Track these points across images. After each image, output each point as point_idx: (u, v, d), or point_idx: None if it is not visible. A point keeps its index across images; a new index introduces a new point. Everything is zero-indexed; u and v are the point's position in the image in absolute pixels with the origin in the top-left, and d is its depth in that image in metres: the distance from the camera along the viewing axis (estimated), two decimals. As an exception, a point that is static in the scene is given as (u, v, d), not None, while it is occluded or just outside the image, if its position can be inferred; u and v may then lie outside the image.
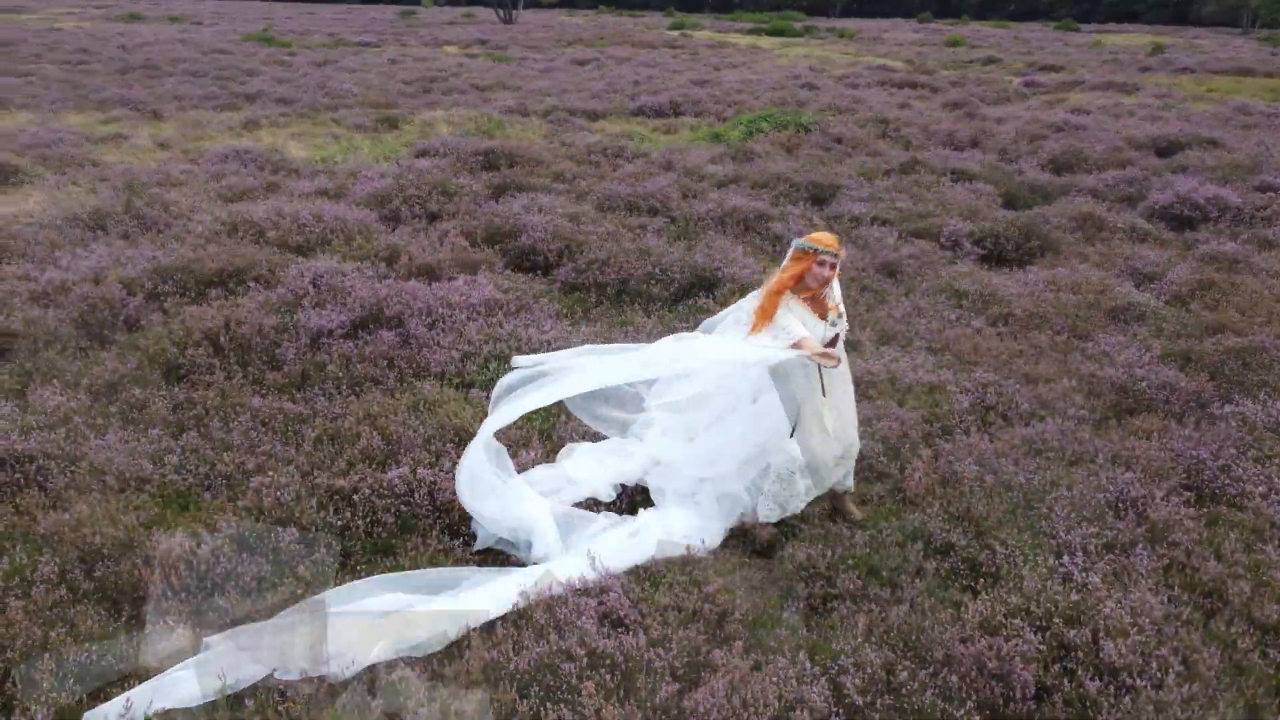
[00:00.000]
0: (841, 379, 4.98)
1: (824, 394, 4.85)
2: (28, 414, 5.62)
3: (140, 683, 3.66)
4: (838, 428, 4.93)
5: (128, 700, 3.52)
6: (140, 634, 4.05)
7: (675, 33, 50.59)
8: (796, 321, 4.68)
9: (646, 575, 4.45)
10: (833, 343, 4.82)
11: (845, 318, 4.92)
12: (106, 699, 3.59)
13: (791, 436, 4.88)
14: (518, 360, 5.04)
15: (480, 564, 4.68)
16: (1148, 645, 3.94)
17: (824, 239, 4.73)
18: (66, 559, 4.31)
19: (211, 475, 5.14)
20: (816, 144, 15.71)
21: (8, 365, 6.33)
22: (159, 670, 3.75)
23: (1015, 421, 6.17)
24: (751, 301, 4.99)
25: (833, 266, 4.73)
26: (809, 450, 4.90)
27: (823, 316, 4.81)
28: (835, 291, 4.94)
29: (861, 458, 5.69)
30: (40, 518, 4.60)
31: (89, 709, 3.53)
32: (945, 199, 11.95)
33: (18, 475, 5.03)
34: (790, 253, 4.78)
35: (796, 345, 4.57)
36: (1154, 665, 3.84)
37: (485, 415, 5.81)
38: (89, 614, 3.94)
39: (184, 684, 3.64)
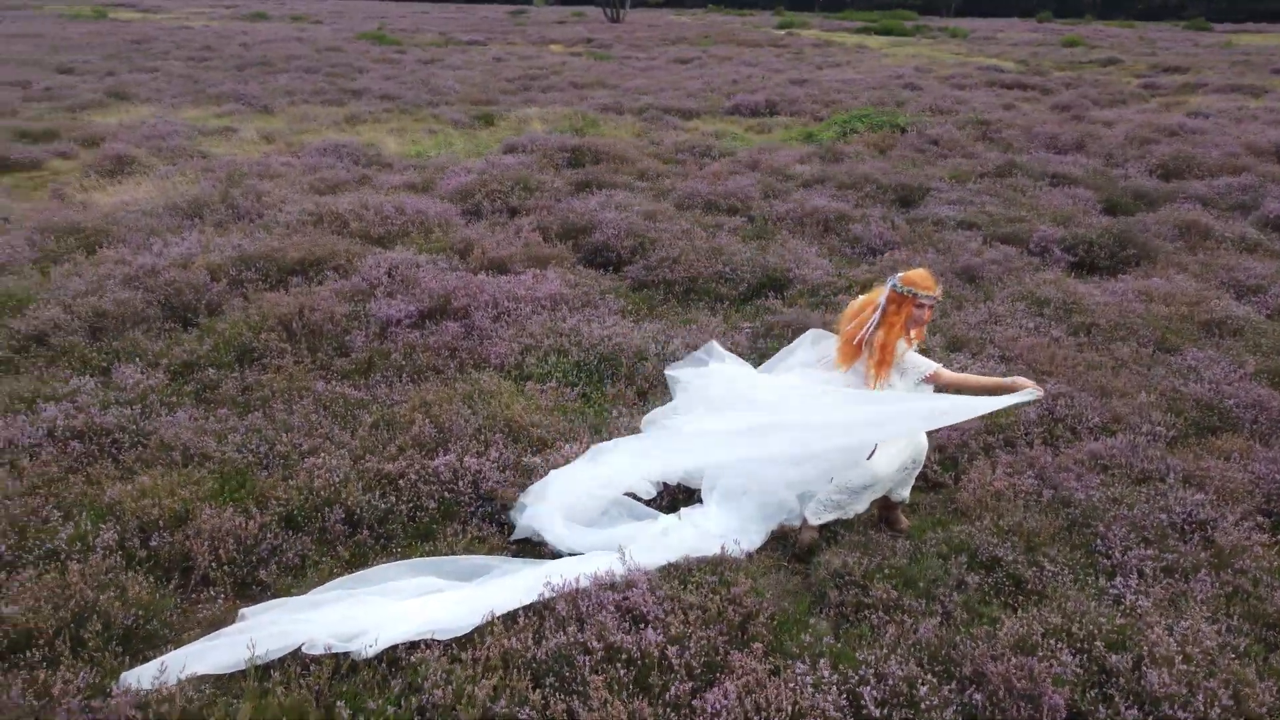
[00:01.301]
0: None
1: None
2: (109, 390, 5.94)
3: (177, 649, 3.82)
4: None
5: (162, 664, 3.68)
6: (184, 602, 4.24)
7: (781, 32, 50.13)
8: (922, 357, 4.65)
9: (676, 573, 4.42)
10: None
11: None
12: (145, 662, 3.76)
13: (869, 458, 4.79)
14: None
15: (516, 554, 4.73)
16: (1195, 676, 3.74)
17: (921, 281, 4.55)
18: (126, 528, 4.54)
19: (270, 455, 5.33)
20: (911, 145, 15.36)
21: (97, 344, 6.69)
22: (196, 638, 3.92)
23: (1084, 435, 5.91)
24: (827, 346, 4.92)
25: (930, 309, 4.61)
26: (882, 467, 4.81)
27: (908, 343, 4.71)
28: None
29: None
30: (107, 488, 4.85)
31: (127, 669, 3.70)
32: (1039, 204, 11.53)
33: (93, 447, 5.33)
34: (886, 293, 4.60)
35: (974, 386, 4.61)
36: (1200, 697, 3.64)
37: (538, 408, 5.91)
38: (139, 581, 4.13)
39: (217, 652, 3.79)
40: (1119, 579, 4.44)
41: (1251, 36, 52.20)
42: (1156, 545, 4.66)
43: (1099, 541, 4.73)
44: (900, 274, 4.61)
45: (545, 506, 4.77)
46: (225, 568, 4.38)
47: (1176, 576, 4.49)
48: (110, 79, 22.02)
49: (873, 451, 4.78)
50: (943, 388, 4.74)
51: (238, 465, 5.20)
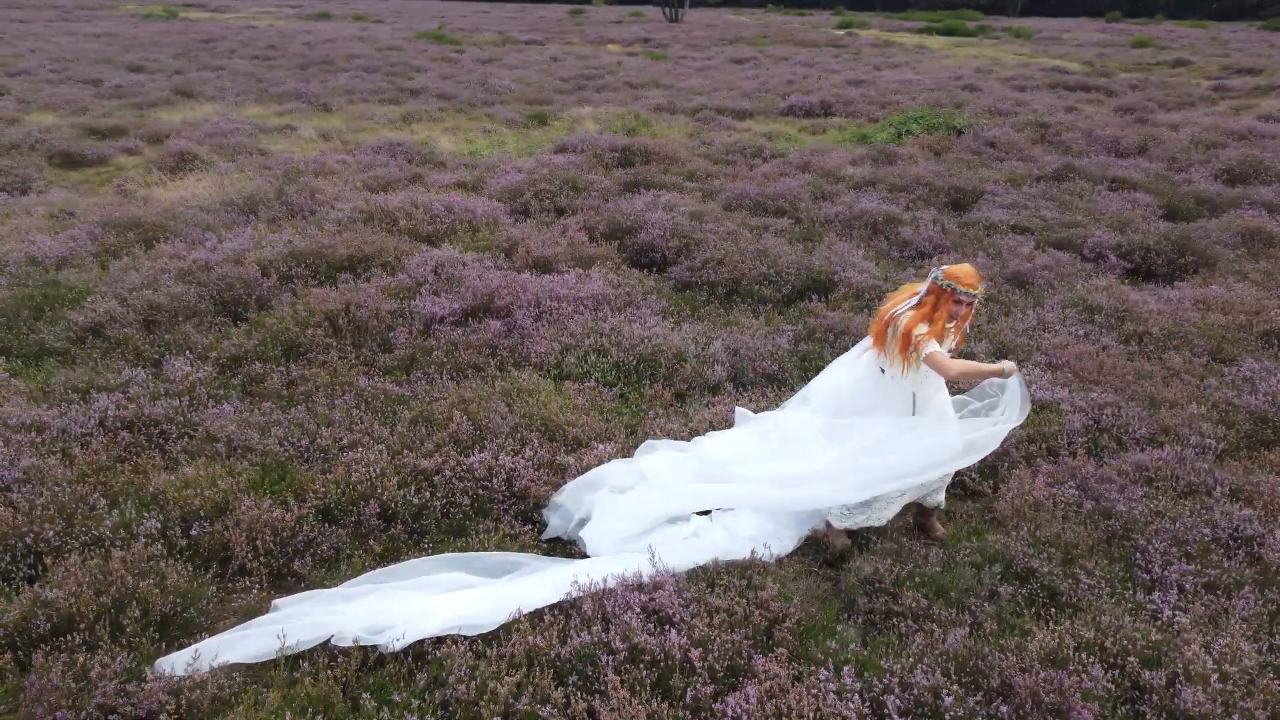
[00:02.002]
0: (938, 393, 4.76)
1: (913, 412, 4.69)
2: (159, 381, 6.11)
3: (211, 637, 3.92)
4: None
5: (196, 652, 3.78)
6: (220, 591, 4.35)
7: (841, 32, 49.69)
8: (944, 352, 4.50)
9: (704, 576, 4.42)
10: None
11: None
12: (180, 649, 3.86)
13: None
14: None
15: (547, 553, 4.77)
16: (1232, 695, 3.64)
17: (964, 276, 4.42)
18: (169, 517, 4.67)
19: (310, 448, 5.44)
20: (967, 147, 15.12)
21: (150, 336, 6.89)
22: (230, 627, 4.02)
23: (1130, 446, 5.78)
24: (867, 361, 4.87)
25: (970, 306, 4.48)
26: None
27: (940, 340, 4.54)
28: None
29: (955, 475, 5.49)
30: (153, 478, 5.00)
31: (163, 656, 3.81)
32: (1096, 209, 11.28)
33: (141, 437, 5.49)
34: (927, 285, 4.52)
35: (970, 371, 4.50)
36: (1236, 717, 3.54)
37: (575, 408, 5.95)
38: (178, 569, 4.24)
39: (249, 641, 3.88)
40: (1157, 594, 4.33)
41: (1331, 36, 50.41)
42: (1199, 560, 4.55)
43: (1139, 555, 4.63)
44: (944, 267, 4.52)
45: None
46: (262, 558, 4.48)
47: (1219, 593, 4.37)
48: (178, 77, 22.63)
49: None
50: (951, 377, 4.61)
51: (279, 458, 5.31)
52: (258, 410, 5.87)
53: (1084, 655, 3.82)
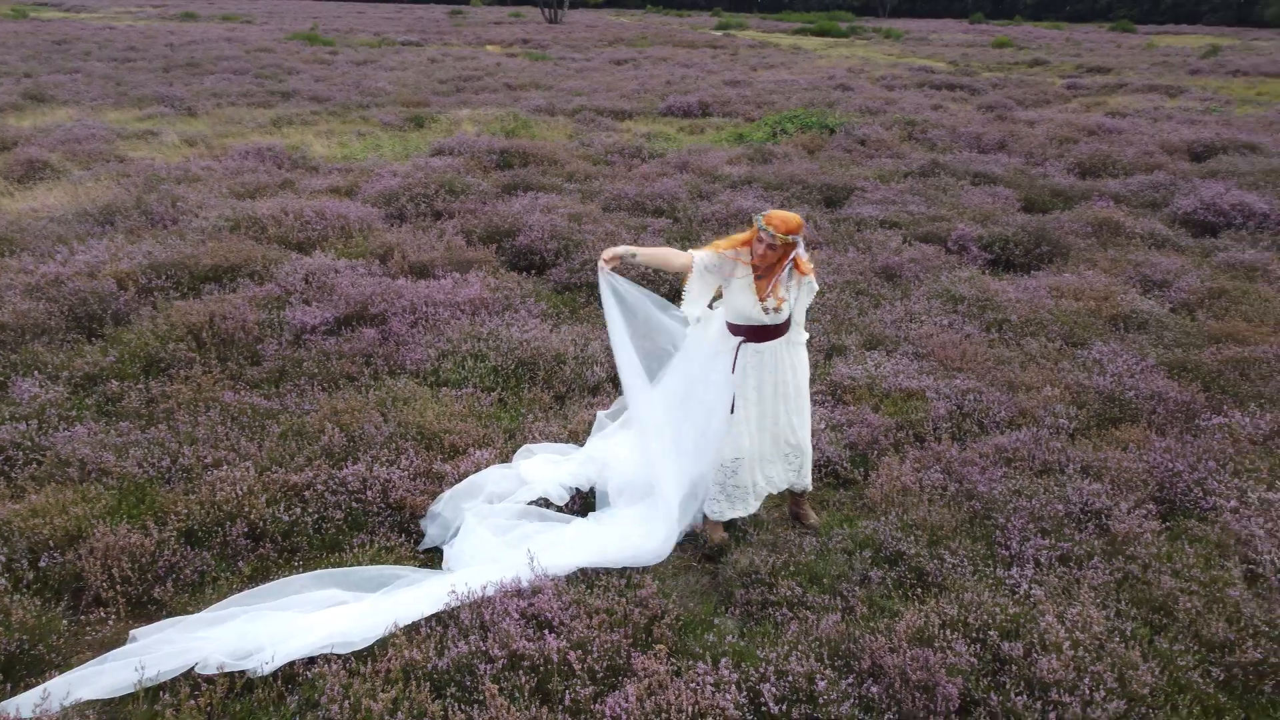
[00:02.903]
0: (775, 378, 4.78)
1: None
2: (3, 405, 5.76)
3: (62, 674, 3.72)
4: (774, 425, 4.83)
5: (45, 691, 3.57)
6: (74, 625, 4.13)
7: (719, 33, 50.47)
8: (714, 281, 4.64)
9: (584, 578, 4.43)
10: (760, 333, 4.67)
11: (792, 320, 4.75)
12: (28, 689, 3.65)
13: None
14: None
15: (425, 564, 4.69)
16: (1083, 661, 3.84)
17: (772, 217, 4.46)
18: (15, 549, 4.40)
19: (172, 468, 5.21)
20: (840, 146, 15.57)
21: (-5, 357, 6.49)
22: (84, 662, 3.81)
23: (991, 429, 6.04)
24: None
25: (771, 248, 4.45)
26: (745, 440, 4.80)
27: (761, 299, 4.59)
28: (792, 290, 4.66)
29: (828, 464, 5.64)
30: (-1, 507, 4.71)
31: (7, 699, 3.59)
32: (961, 203, 11.76)
33: (-15, 464, 5.16)
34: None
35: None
36: (1087, 681, 3.74)
37: (452, 414, 5.88)
38: (24, 604, 4.00)
39: (105, 675, 3.69)
40: (1015, 569, 4.54)
41: (1172, 38, 53.86)
42: (1053, 535, 4.78)
43: (999, 533, 4.84)
44: (767, 211, 4.59)
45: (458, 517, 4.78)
46: (119, 587, 4.27)
47: (1071, 565, 4.61)
48: (27, 80, 21.39)
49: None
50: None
51: (138, 480, 5.06)
52: (114, 431, 5.59)
53: (948, 632, 3.97)
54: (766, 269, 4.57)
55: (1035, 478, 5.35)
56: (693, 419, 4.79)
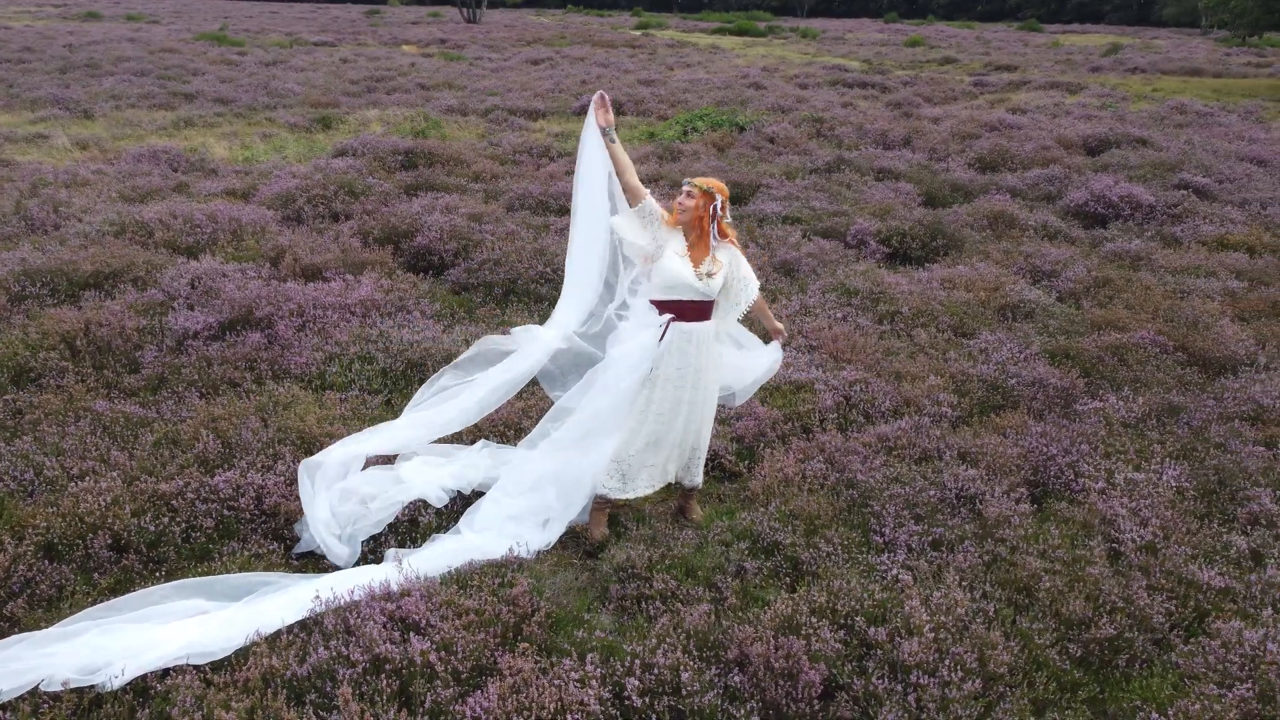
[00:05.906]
0: (697, 365, 4.81)
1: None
2: None
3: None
4: (686, 414, 4.85)
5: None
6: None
7: (639, 33, 50.58)
8: (646, 234, 4.74)
9: (456, 579, 4.38)
10: (690, 310, 4.69)
11: (728, 291, 4.78)
12: None
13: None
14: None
15: (300, 569, 4.60)
16: (944, 643, 3.92)
17: (699, 179, 4.71)
18: None
19: (36, 481, 5.02)
20: (749, 143, 15.70)
21: None
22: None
23: (876, 419, 6.15)
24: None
25: (690, 196, 4.64)
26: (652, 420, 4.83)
27: (696, 265, 4.64)
28: (727, 262, 4.72)
29: (715, 457, 5.67)
30: None
31: None
32: (863, 198, 11.96)
33: None
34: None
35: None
36: (947, 663, 3.82)
37: (336, 418, 5.77)
38: None
39: (-59, 698, 3.54)
40: (887, 555, 4.62)
41: (1077, 37, 55.61)
42: (927, 520, 4.88)
43: (874, 520, 4.92)
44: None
45: (321, 520, 4.66)
46: (-33, 604, 4.09)
47: (942, 549, 4.71)
48: (-90, 84, 20.45)
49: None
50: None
51: (-2, 494, 4.87)
52: (-26, 444, 5.36)
53: (816, 619, 4.02)
54: (697, 237, 4.67)
55: (914, 465, 5.46)
56: (608, 382, 4.84)
